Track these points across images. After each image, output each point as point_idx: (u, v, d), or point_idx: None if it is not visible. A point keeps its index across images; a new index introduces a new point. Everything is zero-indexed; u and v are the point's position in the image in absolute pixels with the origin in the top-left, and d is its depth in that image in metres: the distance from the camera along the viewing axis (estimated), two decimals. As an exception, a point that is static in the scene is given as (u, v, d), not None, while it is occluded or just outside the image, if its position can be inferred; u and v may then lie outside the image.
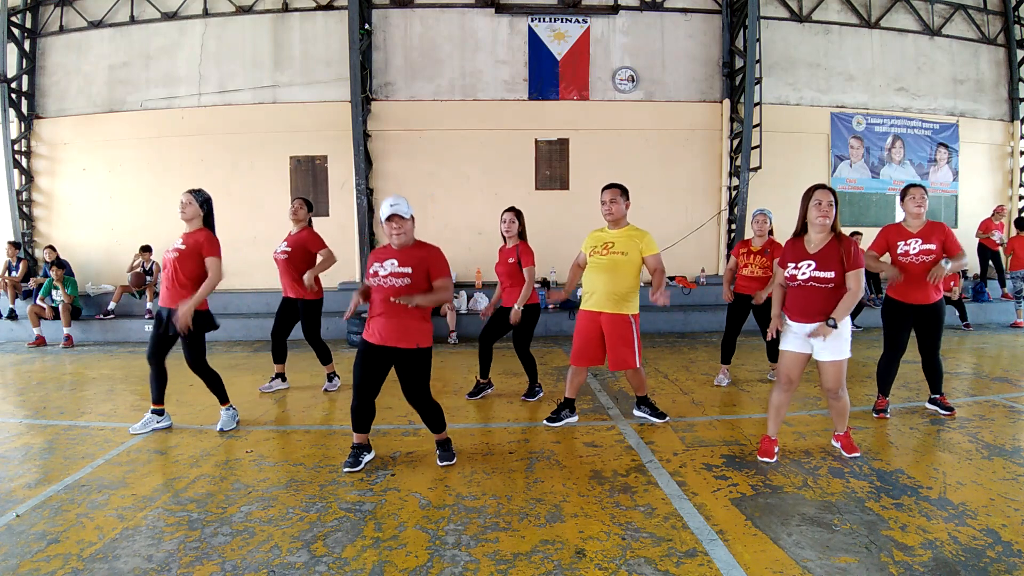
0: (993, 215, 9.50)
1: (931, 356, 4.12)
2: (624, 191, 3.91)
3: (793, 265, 3.25)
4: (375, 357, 3.20)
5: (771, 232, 5.13)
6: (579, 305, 4.03)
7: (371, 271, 3.21)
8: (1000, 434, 3.77)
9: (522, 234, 4.73)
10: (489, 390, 4.97)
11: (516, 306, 4.52)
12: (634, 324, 3.85)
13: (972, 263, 9.81)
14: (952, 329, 8.31)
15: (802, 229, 3.32)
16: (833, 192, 3.24)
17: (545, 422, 4.07)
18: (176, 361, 4.01)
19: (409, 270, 3.13)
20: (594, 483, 3.08)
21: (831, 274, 3.15)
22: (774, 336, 3.50)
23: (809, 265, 3.20)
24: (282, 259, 4.92)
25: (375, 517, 2.72)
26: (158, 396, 4.02)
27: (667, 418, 4.12)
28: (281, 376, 5.22)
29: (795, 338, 3.29)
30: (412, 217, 3.20)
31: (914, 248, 3.91)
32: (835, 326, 3.11)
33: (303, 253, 4.92)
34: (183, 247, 3.86)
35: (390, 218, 3.13)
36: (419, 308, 3.13)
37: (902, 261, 3.95)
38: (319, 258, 4.98)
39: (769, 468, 3.24)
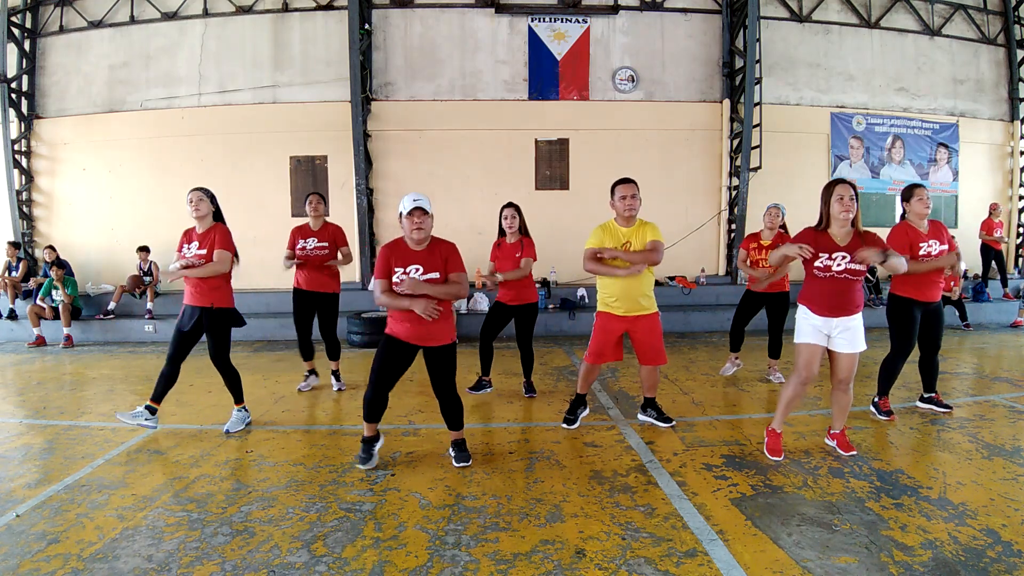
0: (991, 214, 9.50)
1: (933, 354, 4.20)
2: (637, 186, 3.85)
3: (826, 256, 3.22)
4: (402, 353, 3.22)
5: (783, 227, 5.09)
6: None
7: (395, 275, 3.11)
8: (1000, 434, 3.77)
9: (524, 229, 4.76)
10: (488, 389, 4.98)
11: (500, 276, 4.60)
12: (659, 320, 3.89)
13: (974, 263, 9.82)
14: (952, 329, 8.31)
15: (823, 223, 3.31)
16: (854, 187, 3.26)
17: (564, 425, 4.01)
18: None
19: (436, 275, 3.15)
20: (594, 483, 3.08)
21: (863, 267, 3.19)
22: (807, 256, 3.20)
23: (844, 257, 3.21)
24: (321, 254, 4.89)
25: (375, 517, 2.72)
26: (161, 396, 3.98)
27: (673, 423, 4.03)
28: (314, 372, 5.26)
29: (814, 331, 3.30)
30: (432, 215, 3.17)
31: (935, 249, 3.95)
32: (884, 261, 3.07)
33: (333, 248, 4.96)
34: (203, 251, 3.85)
35: (412, 212, 3.09)
36: (441, 304, 3.15)
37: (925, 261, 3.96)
38: (340, 255, 5.01)
39: (769, 468, 3.24)
